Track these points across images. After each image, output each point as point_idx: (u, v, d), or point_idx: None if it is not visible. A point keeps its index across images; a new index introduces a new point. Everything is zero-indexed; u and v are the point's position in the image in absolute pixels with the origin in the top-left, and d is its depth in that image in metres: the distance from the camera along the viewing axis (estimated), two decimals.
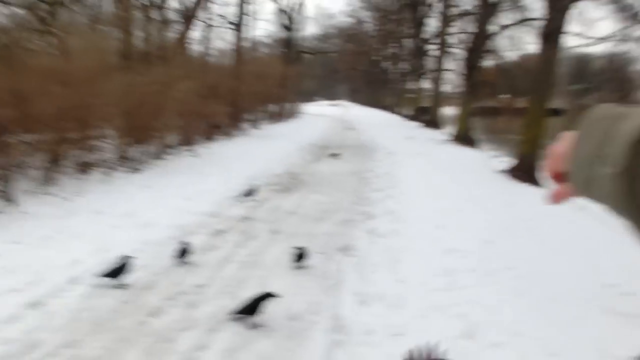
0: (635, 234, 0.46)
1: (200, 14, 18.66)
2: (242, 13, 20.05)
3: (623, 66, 13.23)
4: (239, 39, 19.64)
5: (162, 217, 5.92)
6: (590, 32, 19.64)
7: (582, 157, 0.51)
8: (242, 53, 19.69)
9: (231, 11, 20.45)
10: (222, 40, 21.69)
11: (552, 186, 0.60)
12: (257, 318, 3.50)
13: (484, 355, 3.17)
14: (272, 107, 23.77)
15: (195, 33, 19.89)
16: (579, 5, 12.78)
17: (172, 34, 16.11)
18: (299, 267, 4.58)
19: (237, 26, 19.78)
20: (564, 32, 10.66)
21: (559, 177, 0.58)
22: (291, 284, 4.23)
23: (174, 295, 3.94)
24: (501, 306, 3.88)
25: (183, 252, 4.54)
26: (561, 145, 0.57)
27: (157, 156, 9.77)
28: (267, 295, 3.57)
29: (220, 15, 21.81)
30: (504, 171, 10.80)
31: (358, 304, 3.92)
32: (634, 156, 0.45)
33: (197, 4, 17.20)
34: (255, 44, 32.54)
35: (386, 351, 3.21)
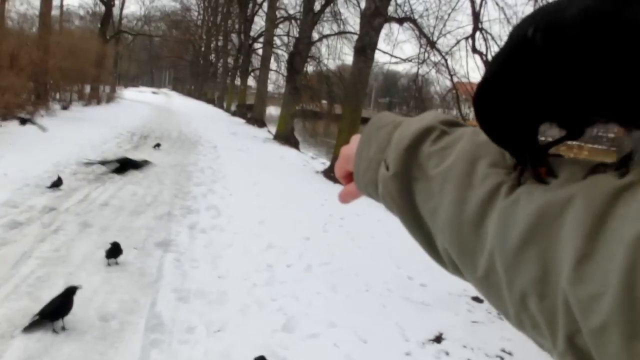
0: (411, 232, 0.52)
1: None
2: None
3: (423, 86, 15.02)
4: (47, 5, 17.42)
5: None
6: (397, 52, 22.05)
7: (365, 159, 0.56)
8: (50, 22, 17.49)
9: None
10: (26, 3, 19.11)
11: (343, 186, 0.64)
12: (60, 322, 3.15)
13: (302, 346, 3.33)
14: (87, 88, 21.64)
15: None
16: (388, 26, 14.21)
17: None
18: (113, 264, 4.26)
19: None
20: (375, 49, 11.72)
21: (348, 177, 0.62)
22: (104, 282, 3.91)
23: None
24: (317, 299, 4.11)
25: None
26: (349, 148, 0.61)
27: None
28: (70, 291, 3.23)
29: None
30: (321, 172, 11.47)
31: (177, 301, 3.79)
32: (405, 161, 0.50)
33: None
34: (67, 14, 29.42)
35: (206, 348, 3.17)
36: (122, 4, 34.74)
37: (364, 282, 4.63)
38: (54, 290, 3.58)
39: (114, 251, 4.26)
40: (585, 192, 0.36)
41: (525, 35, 0.40)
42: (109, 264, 4.24)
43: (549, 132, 0.47)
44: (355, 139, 0.60)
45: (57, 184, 6.27)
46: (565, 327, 0.34)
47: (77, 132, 11.61)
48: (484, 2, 12.09)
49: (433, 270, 4.83)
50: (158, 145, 11.48)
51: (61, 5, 26.65)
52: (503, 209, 0.40)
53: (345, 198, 0.65)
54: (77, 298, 3.29)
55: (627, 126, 0.41)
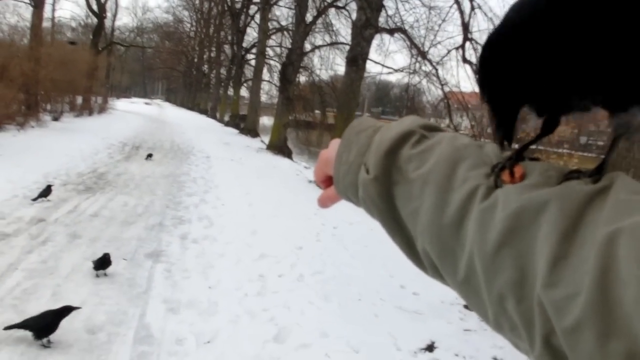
0: (391, 235, 0.52)
1: None
2: None
3: (415, 96, 15.13)
4: (38, 17, 17.39)
5: None
6: (388, 62, 22.25)
7: (345, 162, 0.56)
8: (41, 34, 17.43)
9: None
10: (17, 16, 19.12)
11: (323, 190, 0.64)
12: (47, 335, 3.08)
13: (293, 356, 3.28)
14: (78, 99, 21.55)
15: None
16: (379, 36, 14.30)
17: None
18: (102, 275, 4.20)
19: (36, 2, 17.52)
20: (367, 59, 11.78)
21: (327, 181, 0.63)
22: (92, 294, 3.85)
23: None
24: (309, 309, 4.07)
25: None
26: (329, 151, 0.62)
27: None
28: (65, 310, 3.18)
29: None
30: (314, 181, 11.44)
31: (167, 312, 3.74)
32: (385, 164, 0.51)
33: None
34: (59, 26, 29.45)
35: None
36: (115, 15, 34.89)
37: (356, 292, 4.59)
38: (41, 302, 3.53)
39: (103, 262, 4.20)
40: (560, 197, 0.37)
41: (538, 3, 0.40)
42: (97, 275, 4.17)
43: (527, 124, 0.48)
44: (335, 143, 0.61)
45: (44, 193, 6.20)
46: (542, 328, 0.35)
47: (68, 143, 11.53)
48: (473, 13, 12.20)
49: (425, 279, 4.76)
50: (150, 155, 11.42)
51: (52, 17, 26.70)
52: (481, 211, 0.41)
53: (324, 202, 0.65)
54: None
55: (613, 109, 0.42)
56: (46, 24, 21.38)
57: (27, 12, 18.77)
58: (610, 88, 0.40)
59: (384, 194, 0.51)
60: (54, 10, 26.69)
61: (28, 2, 18.22)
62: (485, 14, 12.11)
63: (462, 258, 0.42)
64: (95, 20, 27.22)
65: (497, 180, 0.43)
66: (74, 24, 34.80)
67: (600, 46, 0.38)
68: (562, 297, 0.33)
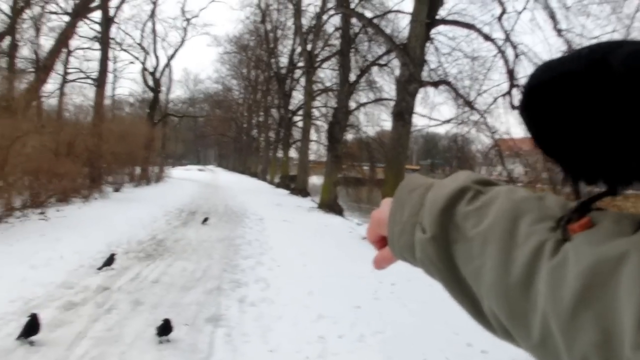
0: (455, 296, 0.50)
1: (57, 67, 17.75)
2: (104, 69, 19.30)
3: (464, 146, 15.03)
4: (100, 96, 18.76)
5: (1, 290, 5.16)
6: (434, 114, 22.21)
7: (399, 222, 0.54)
8: (103, 111, 18.73)
9: (92, 66, 19.73)
10: (82, 96, 20.71)
11: (377, 251, 0.62)
12: None
13: None
14: (136, 170, 22.66)
15: (51, 86, 18.79)
16: (424, 90, 14.42)
17: (22, 84, 14.79)
18: (165, 341, 4.24)
19: (99, 82, 18.96)
20: (413, 113, 11.87)
21: (381, 241, 0.61)
22: None
23: None
24: None
25: (29, 330, 3.96)
26: (381, 211, 0.60)
27: None
28: None
29: (80, 70, 20.97)
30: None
31: None
32: (442, 223, 0.49)
33: (53, 54, 16.17)
34: (119, 102, 31.51)
35: None
36: (169, 89, 37.08)
37: (420, 352, 4.41)
38: None
39: (165, 328, 4.26)
40: None
41: (601, 59, 0.39)
42: (160, 342, 4.22)
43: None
44: (386, 203, 0.60)
45: (108, 262, 6.44)
46: None
47: (128, 213, 12.03)
48: (517, 60, 12.19)
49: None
50: (206, 219, 11.70)
51: (113, 95, 28.68)
52: (552, 269, 0.39)
53: (380, 264, 0.63)
54: None
55: None
56: (107, 101, 22.98)
57: (90, 91, 20.30)
58: None
59: (442, 253, 0.49)
60: (114, 88, 28.75)
61: (92, 82, 19.76)
62: (531, 60, 12.07)
63: (535, 319, 0.40)
64: (151, 94, 29.01)
65: (565, 233, 0.40)
66: (131, 100, 37.13)
67: None
68: None
